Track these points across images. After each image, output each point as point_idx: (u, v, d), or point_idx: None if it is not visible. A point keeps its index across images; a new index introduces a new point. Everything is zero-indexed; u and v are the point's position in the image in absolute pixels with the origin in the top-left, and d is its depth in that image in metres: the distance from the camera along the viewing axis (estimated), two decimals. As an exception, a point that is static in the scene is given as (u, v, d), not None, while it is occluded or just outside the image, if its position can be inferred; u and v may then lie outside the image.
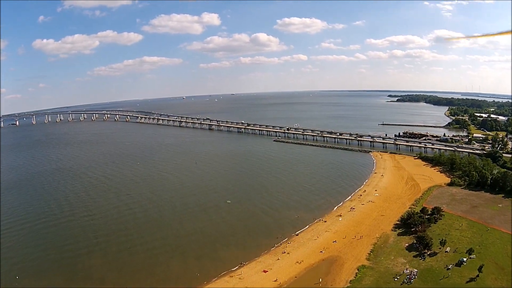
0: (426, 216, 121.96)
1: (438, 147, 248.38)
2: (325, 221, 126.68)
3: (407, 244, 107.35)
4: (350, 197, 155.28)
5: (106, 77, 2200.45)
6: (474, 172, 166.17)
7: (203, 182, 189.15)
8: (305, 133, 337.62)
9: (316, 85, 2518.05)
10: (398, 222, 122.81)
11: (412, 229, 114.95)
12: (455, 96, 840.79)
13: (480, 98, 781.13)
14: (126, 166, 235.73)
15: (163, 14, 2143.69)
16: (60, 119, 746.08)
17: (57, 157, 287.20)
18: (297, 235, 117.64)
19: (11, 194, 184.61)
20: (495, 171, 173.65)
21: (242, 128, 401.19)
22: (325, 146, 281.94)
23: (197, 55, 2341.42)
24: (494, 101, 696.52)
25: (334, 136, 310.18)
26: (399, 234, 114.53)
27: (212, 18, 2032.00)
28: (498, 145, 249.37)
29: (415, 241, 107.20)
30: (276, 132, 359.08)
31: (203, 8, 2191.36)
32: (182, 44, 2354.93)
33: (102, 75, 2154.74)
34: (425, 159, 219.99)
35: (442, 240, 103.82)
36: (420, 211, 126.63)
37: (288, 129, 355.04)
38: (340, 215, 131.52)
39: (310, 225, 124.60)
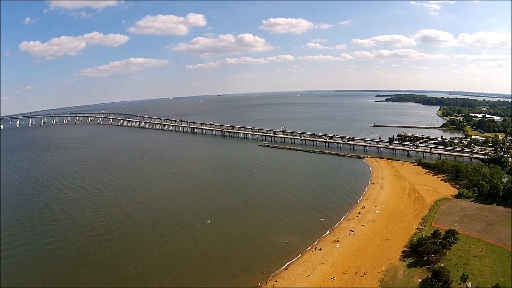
0: (439, 240, 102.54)
1: (438, 152, 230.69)
2: (320, 249, 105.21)
3: (420, 280, 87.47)
4: (347, 214, 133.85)
5: (93, 79, 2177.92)
6: (483, 183, 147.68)
7: (180, 196, 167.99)
8: (293, 136, 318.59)
9: (303, 85, 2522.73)
10: (406, 249, 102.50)
11: (424, 258, 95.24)
12: (444, 96, 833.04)
13: (469, 97, 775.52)
14: (99, 176, 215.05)
15: (149, 15, 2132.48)
16: (43, 122, 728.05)
17: (30, 164, 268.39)
18: (286, 269, 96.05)
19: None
20: (504, 180, 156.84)
21: (226, 131, 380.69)
22: (315, 152, 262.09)
23: (183, 56, 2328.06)
24: (484, 100, 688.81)
25: (324, 140, 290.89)
26: (409, 265, 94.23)
27: (198, 19, 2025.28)
28: (501, 148, 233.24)
29: (430, 276, 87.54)
30: (262, 135, 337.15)
31: (188, 9, 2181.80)
32: (168, 45, 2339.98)
33: (89, 76, 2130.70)
34: (425, 165, 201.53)
35: (464, 276, 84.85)
36: (432, 234, 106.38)
37: (275, 132, 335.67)
38: (338, 240, 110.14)
39: (302, 254, 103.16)
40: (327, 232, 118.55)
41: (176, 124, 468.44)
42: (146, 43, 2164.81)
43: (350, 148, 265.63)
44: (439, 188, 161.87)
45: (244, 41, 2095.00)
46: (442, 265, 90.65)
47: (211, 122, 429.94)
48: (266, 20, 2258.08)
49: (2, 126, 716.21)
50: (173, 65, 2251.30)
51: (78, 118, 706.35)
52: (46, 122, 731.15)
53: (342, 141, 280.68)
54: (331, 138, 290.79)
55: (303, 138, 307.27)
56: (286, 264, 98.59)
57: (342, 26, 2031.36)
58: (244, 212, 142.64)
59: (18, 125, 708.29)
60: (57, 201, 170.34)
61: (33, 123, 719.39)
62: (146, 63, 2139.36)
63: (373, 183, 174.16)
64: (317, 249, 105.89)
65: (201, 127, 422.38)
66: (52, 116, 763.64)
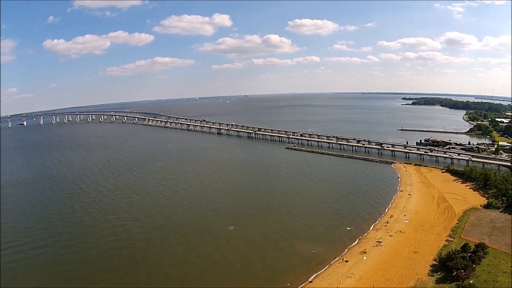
0: (469, 255, 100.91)
1: (466, 158, 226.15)
2: (347, 261, 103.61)
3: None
4: (375, 224, 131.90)
5: (118, 78, 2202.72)
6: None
7: (204, 200, 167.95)
8: (319, 139, 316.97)
9: (329, 86, 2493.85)
10: (435, 263, 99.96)
11: (453, 274, 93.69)
12: (469, 99, 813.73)
13: (494, 101, 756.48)
14: (122, 176, 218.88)
15: (174, 15, 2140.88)
16: (68, 120, 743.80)
17: (53, 162, 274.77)
18: (311, 282, 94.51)
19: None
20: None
21: (252, 133, 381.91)
22: (342, 156, 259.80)
23: (209, 56, 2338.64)
24: (509, 104, 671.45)
25: (351, 144, 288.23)
26: (437, 281, 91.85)
27: (223, 19, 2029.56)
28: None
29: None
30: (289, 138, 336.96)
31: (213, 9, 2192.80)
32: (194, 45, 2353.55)
33: (114, 75, 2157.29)
34: (454, 173, 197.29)
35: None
36: (461, 248, 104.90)
37: (301, 135, 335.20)
38: (365, 252, 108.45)
39: (328, 266, 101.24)
40: (355, 243, 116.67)
41: (201, 125, 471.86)
42: (172, 43, 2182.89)
43: (378, 153, 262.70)
44: (468, 196, 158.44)
45: (270, 42, 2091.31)
46: (471, 281, 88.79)
47: (234, 123, 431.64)
48: (291, 21, 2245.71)
49: (25, 123, 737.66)
50: (199, 65, 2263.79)
51: (103, 117, 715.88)
52: (71, 120, 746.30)
53: (370, 145, 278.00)
54: (358, 142, 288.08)
55: (330, 141, 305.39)
56: (312, 277, 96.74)
57: (368, 28, 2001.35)
58: (270, 217, 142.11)
59: (41, 123, 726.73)
60: (78, 201, 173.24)
61: (57, 120, 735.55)
62: (172, 62, 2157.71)
63: (401, 191, 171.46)
64: (343, 260, 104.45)
65: (227, 128, 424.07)
66: (77, 114, 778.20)
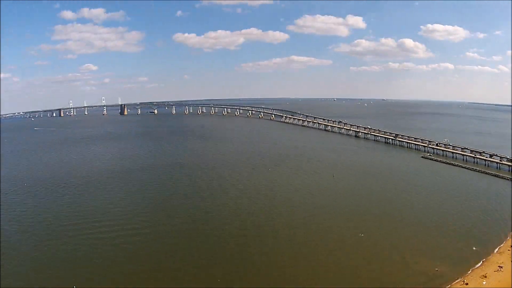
0: None
1: None
2: (467, 284, 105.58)
3: None
4: (500, 246, 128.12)
5: (254, 74, 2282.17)
6: None
7: (338, 203, 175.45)
8: (454, 150, 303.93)
9: (463, 96, 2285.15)
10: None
11: None
12: None
13: None
14: (257, 171, 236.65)
15: (307, 14, 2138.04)
16: (201, 112, 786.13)
17: (184, 151, 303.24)
18: None
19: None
20: None
21: (390, 138, 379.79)
22: (475, 170, 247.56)
23: (346, 57, 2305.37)
24: None
25: (495, 160, 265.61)
26: None
27: (357, 21, 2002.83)
28: None
29: None
30: (425, 146, 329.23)
31: (346, 11, 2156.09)
32: (330, 45, 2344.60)
33: (249, 71, 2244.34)
34: None
35: None
36: None
37: (437, 145, 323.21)
38: (485, 276, 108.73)
39: None
40: (479, 265, 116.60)
41: (339, 126, 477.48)
42: (307, 42, 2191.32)
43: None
44: None
45: (405, 46, 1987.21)
46: None
47: (371, 127, 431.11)
48: (424, 26, 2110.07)
49: (156, 112, 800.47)
50: (336, 66, 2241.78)
51: (239, 111, 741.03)
52: (205, 111, 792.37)
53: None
54: (501, 159, 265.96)
55: (466, 154, 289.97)
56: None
57: (497, 36, 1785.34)
58: (400, 227, 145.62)
59: (173, 112, 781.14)
60: (209, 190, 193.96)
61: (190, 111, 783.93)
62: (308, 61, 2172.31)
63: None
64: (464, 283, 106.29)
65: (364, 131, 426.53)
66: (212, 106, 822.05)
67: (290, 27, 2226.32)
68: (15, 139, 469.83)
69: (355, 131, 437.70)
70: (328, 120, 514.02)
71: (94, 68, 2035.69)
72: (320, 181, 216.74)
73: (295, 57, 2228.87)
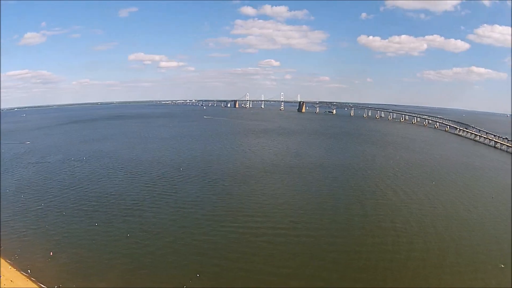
0: None
1: None
2: None
3: None
4: None
5: (434, 82, 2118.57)
6: None
7: (483, 226, 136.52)
8: None
9: None
10: None
11: None
12: None
13: None
14: (416, 183, 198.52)
15: (486, 23, 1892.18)
16: (379, 116, 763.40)
17: (352, 154, 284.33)
18: None
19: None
20: None
21: None
22: None
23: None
24: None
25: None
26: None
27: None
28: None
29: None
30: None
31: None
32: (506, 58, 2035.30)
33: (431, 79, 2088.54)
34: None
35: None
36: None
37: None
38: None
39: None
40: None
41: (510, 145, 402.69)
42: (487, 53, 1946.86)
43: None
44: None
45: None
46: None
47: None
48: None
49: (334, 112, 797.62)
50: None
51: (416, 119, 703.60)
52: (383, 116, 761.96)
53: None
54: None
55: None
56: None
57: None
58: None
59: (352, 114, 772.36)
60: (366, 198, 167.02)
61: (369, 114, 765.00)
62: (486, 74, 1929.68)
63: None
64: None
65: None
66: (390, 112, 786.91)
67: (470, 36, 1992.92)
68: (175, 126, 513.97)
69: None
70: (498, 137, 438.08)
71: (276, 63, 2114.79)
72: (478, 201, 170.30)
73: (474, 68, 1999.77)
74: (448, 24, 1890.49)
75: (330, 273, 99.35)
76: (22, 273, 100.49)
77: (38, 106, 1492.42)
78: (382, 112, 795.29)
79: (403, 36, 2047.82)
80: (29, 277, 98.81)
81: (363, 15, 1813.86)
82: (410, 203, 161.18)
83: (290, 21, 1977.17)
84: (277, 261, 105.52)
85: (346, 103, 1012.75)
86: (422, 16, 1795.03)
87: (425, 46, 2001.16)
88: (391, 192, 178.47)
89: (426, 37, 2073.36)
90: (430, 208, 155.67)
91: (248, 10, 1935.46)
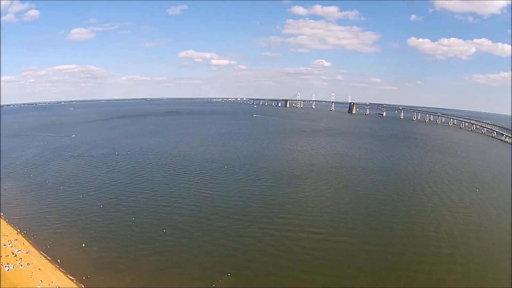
0: None
1: None
2: None
3: None
4: None
5: (482, 86, 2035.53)
6: None
7: None
8: None
9: None
10: None
11: None
12: None
13: None
14: (465, 193, 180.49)
15: None
16: (428, 120, 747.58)
17: (398, 157, 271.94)
18: None
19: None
20: None
21: None
22: None
23: None
24: None
25: None
26: None
27: None
28: None
29: None
30: None
31: None
32: None
33: (480, 83, 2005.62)
34: None
35: None
36: None
37: None
38: None
39: None
40: None
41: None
42: None
43: None
44: None
45: None
46: None
47: None
48: None
49: (384, 114, 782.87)
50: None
51: (464, 123, 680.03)
52: (432, 120, 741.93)
53: None
54: None
55: None
56: None
57: None
58: None
59: (401, 116, 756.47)
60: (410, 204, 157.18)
61: (418, 118, 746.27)
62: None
63: None
64: None
65: None
66: (439, 116, 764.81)
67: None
68: (224, 124, 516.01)
69: None
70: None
71: (328, 64, 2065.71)
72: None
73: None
74: (495, 27, 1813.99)
75: (360, 283, 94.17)
76: (51, 262, 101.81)
77: (86, 100, 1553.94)
78: (431, 116, 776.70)
79: (452, 39, 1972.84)
80: (58, 266, 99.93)
81: (413, 16, 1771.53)
82: (456, 212, 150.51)
83: (340, 22, 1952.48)
84: (309, 267, 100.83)
85: (396, 105, 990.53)
86: (470, 19, 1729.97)
87: (473, 49, 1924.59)
88: (437, 199, 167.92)
89: (474, 40, 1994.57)
90: (475, 219, 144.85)
91: (299, 10, 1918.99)
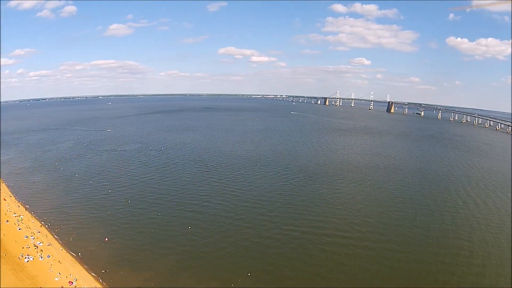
0: None
1: None
2: None
3: None
4: None
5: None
6: None
7: None
8: None
9: None
10: None
11: None
12: None
13: None
14: (501, 199, 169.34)
15: None
16: (465, 120, 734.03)
17: (438, 159, 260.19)
18: None
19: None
20: None
21: None
22: None
23: None
24: None
25: None
26: None
27: None
28: None
29: None
30: None
31: None
32: None
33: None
34: None
35: None
36: None
37: None
38: None
39: None
40: None
41: None
42: None
43: None
44: None
45: None
46: None
47: None
48: None
49: (422, 114, 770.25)
50: None
51: (500, 125, 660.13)
52: (469, 121, 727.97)
53: None
54: None
55: None
56: None
57: None
58: None
59: (439, 117, 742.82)
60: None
61: (455, 118, 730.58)
62: None
63: None
64: None
65: None
66: (476, 117, 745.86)
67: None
68: (261, 120, 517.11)
69: None
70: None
71: (367, 62, 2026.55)
72: None
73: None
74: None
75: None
76: (72, 256, 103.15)
77: (124, 95, 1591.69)
78: (468, 117, 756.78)
79: (490, 39, 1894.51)
80: (79, 260, 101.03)
81: (451, 15, 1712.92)
82: (491, 219, 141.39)
83: (380, 20, 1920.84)
84: (328, 272, 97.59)
85: (434, 105, 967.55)
86: (506, 18, 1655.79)
87: (509, 50, 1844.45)
88: (472, 204, 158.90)
89: (511, 40, 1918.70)
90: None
91: (339, 7, 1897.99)
